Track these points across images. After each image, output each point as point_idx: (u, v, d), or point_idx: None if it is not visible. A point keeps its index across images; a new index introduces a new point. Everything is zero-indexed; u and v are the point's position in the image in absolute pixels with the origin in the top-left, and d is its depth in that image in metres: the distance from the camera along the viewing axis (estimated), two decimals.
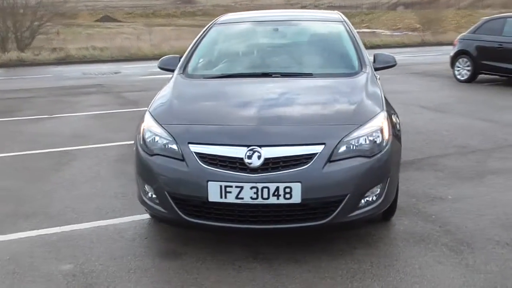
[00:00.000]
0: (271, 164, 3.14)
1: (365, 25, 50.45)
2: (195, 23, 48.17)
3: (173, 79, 4.26)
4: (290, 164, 3.15)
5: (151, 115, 3.68)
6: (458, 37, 11.84)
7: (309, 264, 3.32)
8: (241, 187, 3.12)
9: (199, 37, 4.77)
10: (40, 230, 4.00)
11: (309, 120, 3.44)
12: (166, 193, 3.33)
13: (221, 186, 3.15)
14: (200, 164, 3.21)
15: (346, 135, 3.26)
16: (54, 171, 5.53)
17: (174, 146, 3.35)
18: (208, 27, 4.92)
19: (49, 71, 16.44)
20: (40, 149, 6.46)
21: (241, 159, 3.16)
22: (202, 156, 3.23)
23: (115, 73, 15.68)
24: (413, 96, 9.76)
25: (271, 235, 3.57)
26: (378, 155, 3.31)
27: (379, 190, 3.35)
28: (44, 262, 3.47)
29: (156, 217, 3.66)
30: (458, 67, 11.44)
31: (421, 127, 7.07)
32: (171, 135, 3.39)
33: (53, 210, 4.40)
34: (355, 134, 3.29)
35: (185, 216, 3.31)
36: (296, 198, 3.11)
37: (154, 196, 3.46)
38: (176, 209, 3.31)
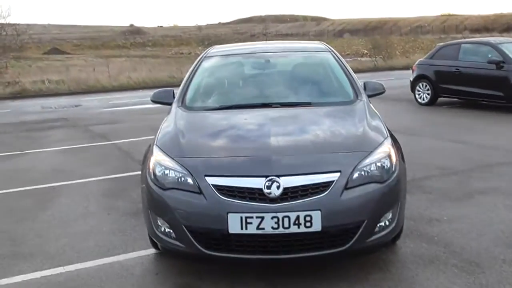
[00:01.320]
0: (290, 193, 3.19)
1: None
2: (146, 53, 48.05)
3: (173, 112, 4.26)
4: (308, 192, 3.20)
5: (160, 149, 3.66)
6: (416, 62, 12.38)
7: None
8: (262, 218, 3.14)
9: (193, 70, 4.81)
10: (43, 272, 3.87)
11: (321, 149, 3.52)
12: (183, 227, 3.30)
13: (241, 218, 3.16)
14: (219, 196, 3.22)
15: (359, 162, 3.35)
16: (41, 209, 5.35)
17: (190, 180, 3.34)
18: (200, 60, 4.97)
19: (6, 106, 15.96)
20: (20, 186, 6.26)
21: (260, 189, 3.19)
22: (220, 188, 3.24)
23: (76, 106, 15.38)
24: None
25: (291, 264, 3.58)
26: (389, 180, 3.42)
27: (391, 214, 3.45)
28: None
29: (170, 252, 3.60)
30: (419, 90, 11.92)
31: None
32: (186, 169, 3.38)
33: (51, 249, 4.26)
34: (367, 161, 3.39)
35: (204, 249, 3.29)
36: (317, 226, 3.16)
37: (169, 230, 3.42)
38: (195, 242, 3.29)
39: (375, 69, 24.07)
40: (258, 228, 3.15)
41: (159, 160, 3.57)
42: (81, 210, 5.30)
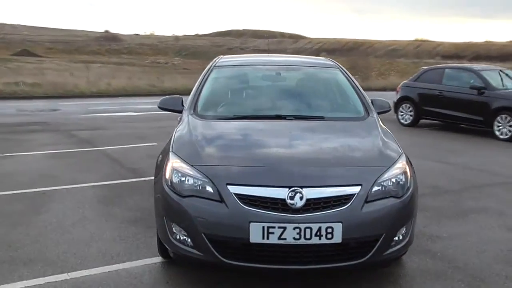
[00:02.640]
0: (312, 205, 3.22)
1: None
2: (122, 61, 47.60)
3: (186, 120, 4.25)
4: (331, 204, 3.24)
5: (177, 155, 3.64)
6: (401, 84, 12.65)
7: None
8: (284, 228, 3.16)
9: (203, 79, 4.81)
10: (46, 278, 3.78)
11: (342, 162, 3.57)
12: (203, 235, 3.29)
13: (263, 227, 3.17)
14: (241, 205, 3.22)
15: (379, 177, 3.42)
16: (34, 214, 5.22)
17: (210, 188, 3.34)
18: (209, 69, 4.97)
19: None
20: (7, 190, 6.09)
21: (283, 200, 3.21)
22: (242, 197, 3.25)
23: (54, 110, 15.12)
24: None
25: (310, 275, 3.59)
26: (405, 196, 3.49)
27: (405, 229, 3.51)
28: None
29: (185, 260, 3.55)
30: (402, 112, 12.18)
31: None
32: (207, 176, 3.37)
33: (51, 256, 4.17)
34: (386, 175, 3.46)
35: (223, 258, 3.27)
36: (337, 238, 3.19)
37: (185, 238, 3.40)
38: (214, 251, 3.28)
39: None
40: (279, 238, 3.17)
41: (176, 166, 3.55)
42: (77, 216, 5.20)
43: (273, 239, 3.17)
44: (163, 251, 3.93)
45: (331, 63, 5.27)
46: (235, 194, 3.26)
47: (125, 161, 7.83)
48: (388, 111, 4.84)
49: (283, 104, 4.59)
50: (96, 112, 14.47)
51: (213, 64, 5.07)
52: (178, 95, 4.97)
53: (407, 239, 3.54)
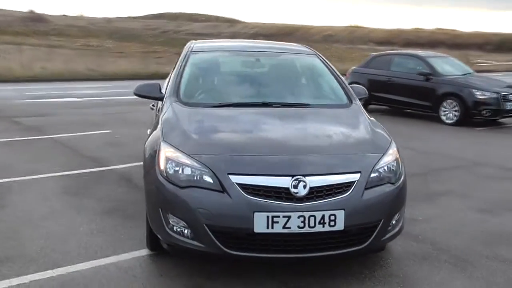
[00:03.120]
0: (315, 193, 3.22)
1: None
2: (52, 43, 45.36)
3: (171, 107, 4.10)
4: (333, 192, 3.26)
5: (171, 145, 3.52)
6: (350, 70, 12.89)
7: None
8: (289, 217, 3.15)
9: (181, 64, 4.65)
10: (30, 276, 3.57)
11: (340, 149, 3.59)
12: (205, 226, 3.22)
13: (268, 217, 3.15)
14: (245, 195, 3.18)
15: (376, 163, 3.47)
16: None
17: (210, 178, 3.26)
18: (186, 54, 4.81)
19: None
20: None
21: (287, 188, 3.19)
22: (245, 187, 3.20)
23: None
24: None
25: (313, 262, 3.60)
26: (399, 182, 3.58)
27: (399, 214, 3.60)
28: None
29: (184, 252, 3.46)
30: None
31: None
32: (207, 166, 3.29)
33: (30, 252, 3.94)
34: (382, 162, 3.52)
35: (227, 249, 3.22)
36: (340, 225, 3.22)
37: (184, 229, 3.31)
38: (217, 242, 3.22)
39: None
40: (284, 227, 3.15)
41: (171, 156, 3.44)
42: (45, 209, 4.93)
43: (278, 228, 3.15)
44: (152, 243, 3.82)
45: (308, 49, 5.26)
46: (238, 183, 3.21)
47: (83, 149, 7.51)
48: (366, 98, 4.91)
49: (267, 91, 4.54)
50: (35, 97, 13.71)
51: (190, 50, 4.92)
52: (155, 81, 4.80)
53: (400, 224, 3.64)
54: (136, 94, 4.71)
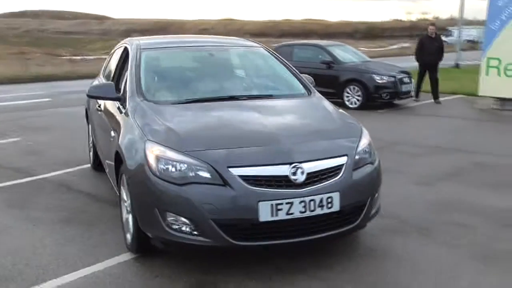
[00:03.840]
0: (312, 178, 3.39)
1: (105, 51, 50.00)
2: None
3: (140, 106, 4.00)
4: (327, 176, 3.46)
5: (159, 143, 3.47)
6: None
7: (334, 267, 3.66)
8: (291, 203, 3.29)
9: (135, 63, 4.48)
10: None
11: (324, 135, 3.77)
12: (211, 221, 3.24)
13: (272, 205, 3.26)
14: (247, 187, 3.26)
15: (357, 146, 3.73)
16: None
17: (208, 173, 3.29)
18: (137, 52, 4.64)
19: None
20: None
21: (286, 176, 3.33)
22: (247, 179, 3.28)
23: None
24: None
25: (313, 244, 3.75)
26: (376, 162, 3.87)
27: (377, 193, 3.89)
28: None
29: (184, 248, 3.48)
30: None
31: None
32: (204, 162, 3.31)
33: (2, 271, 3.65)
34: (361, 144, 3.79)
35: (234, 241, 3.28)
36: (336, 206, 3.43)
37: (182, 226, 3.32)
38: (223, 235, 3.26)
39: None
40: (287, 213, 3.29)
41: (162, 155, 3.40)
42: None
43: (282, 215, 3.28)
44: (139, 245, 3.74)
45: (254, 43, 5.39)
46: (239, 176, 3.27)
47: (1, 161, 6.94)
48: (315, 86, 5.15)
49: (229, 85, 4.60)
50: None
51: (138, 47, 4.75)
52: (109, 82, 4.63)
53: (379, 201, 3.93)
54: (90, 96, 4.54)
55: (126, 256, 3.85)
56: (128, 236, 3.87)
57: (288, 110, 4.24)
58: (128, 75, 4.46)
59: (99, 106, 5.03)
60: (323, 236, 3.49)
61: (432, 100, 12.25)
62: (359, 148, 3.74)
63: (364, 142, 3.85)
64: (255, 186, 3.27)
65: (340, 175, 3.50)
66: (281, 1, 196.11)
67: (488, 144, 7.82)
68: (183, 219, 3.31)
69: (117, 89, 4.53)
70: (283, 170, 3.34)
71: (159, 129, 3.65)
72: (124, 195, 3.93)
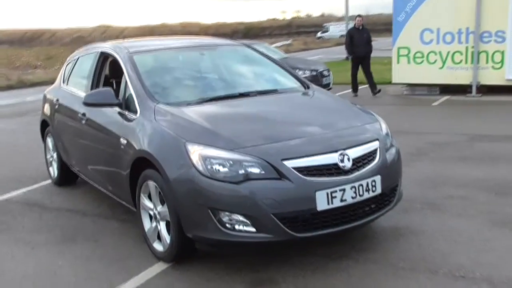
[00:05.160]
0: (357, 164, 3.48)
1: None
2: None
3: (158, 110, 3.80)
4: (367, 160, 3.56)
5: (203, 144, 3.36)
6: None
7: (378, 249, 3.78)
8: (344, 190, 3.34)
9: (130, 67, 4.27)
10: None
11: (353, 122, 3.86)
12: (272, 215, 3.20)
13: (327, 193, 3.29)
14: (304, 178, 3.26)
15: (380, 130, 3.88)
16: None
17: (262, 168, 3.25)
18: (125, 57, 4.41)
19: None
20: None
21: (335, 164, 3.38)
22: (301, 170, 3.28)
23: None
24: None
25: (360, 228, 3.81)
26: (395, 146, 4.01)
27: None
28: None
29: (241, 246, 3.45)
30: None
31: None
32: (258, 157, 3.26)
33: None
34: (383, 128, 3.94)
35: (295, 233, 3.26)
36: (378, 189, 3.53)
37: (243, 226, 3.24)
38: (286, 228, 3.23)
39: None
40: (341, 200, 3.33)
41: (209, 155, 3.29)
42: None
43: (336, 203, 3.32)
44: (180, 252, 3.57)
45: (234, 42, 5.35)
46: (294, 168, 3.26)
47: None
48: None
49: (234, 83, 4.56)
50: None
51: (127, 52, 4.48)
52: (107, 88, 4.34)
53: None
54: (88, 104, 4.23)
55: (159, 266, 3.66)
56: (159, 245, 3.69)
57: (305, 103, 4.29)
58: (128, 80, 4.20)
59: (83, 115, 4.68)
60: (371, 219, 3.58)
61: (351, 91, 12.65)
62: (383, 132, 3.89)
63: (384, 126, 4.01)
64: (310, 176, 3.27)
65: (377, 159, 3.61)
66: (156, 5, 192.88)
67: (425, 126, 8.38)
68: (239, 217, 3.22)
69: None
70: (332, 158, 3.38)
71: (193, 130, 3.52)
72: (148, 202, 3.73)
